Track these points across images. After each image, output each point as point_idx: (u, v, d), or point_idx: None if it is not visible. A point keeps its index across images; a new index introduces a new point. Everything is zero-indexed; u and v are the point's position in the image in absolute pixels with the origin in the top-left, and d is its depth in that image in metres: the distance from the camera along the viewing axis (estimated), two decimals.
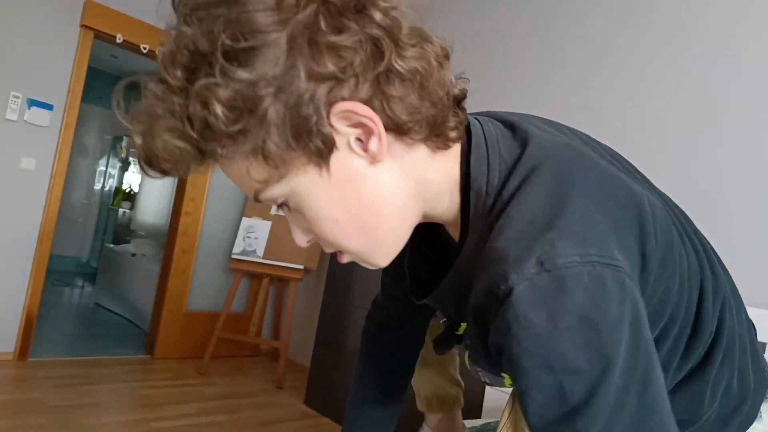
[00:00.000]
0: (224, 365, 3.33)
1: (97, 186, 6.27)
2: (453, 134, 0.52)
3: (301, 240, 0.56)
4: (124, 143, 6.06)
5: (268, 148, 0.44)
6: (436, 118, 0.49)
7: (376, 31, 0.45)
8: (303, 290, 3.72)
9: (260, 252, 3.30)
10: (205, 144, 0.45)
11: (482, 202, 0.51)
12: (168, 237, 3.45)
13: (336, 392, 2.63)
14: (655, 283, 0.50)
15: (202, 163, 0.48)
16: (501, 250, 0.44)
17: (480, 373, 0.68)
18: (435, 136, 0.51)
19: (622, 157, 0.64)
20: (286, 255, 3.29)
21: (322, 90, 0.44)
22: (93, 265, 6.05)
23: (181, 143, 0.45)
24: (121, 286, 4.31)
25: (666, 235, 0.51)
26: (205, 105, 0.43)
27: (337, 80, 0.44)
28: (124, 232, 5.72)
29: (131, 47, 3.03)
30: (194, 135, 0.44)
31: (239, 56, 0.42)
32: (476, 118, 0.57)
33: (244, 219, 3.39)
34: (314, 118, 0.44)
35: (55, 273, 5.16)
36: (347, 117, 0.46)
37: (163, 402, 2.54)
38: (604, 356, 0.40)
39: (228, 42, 0.42)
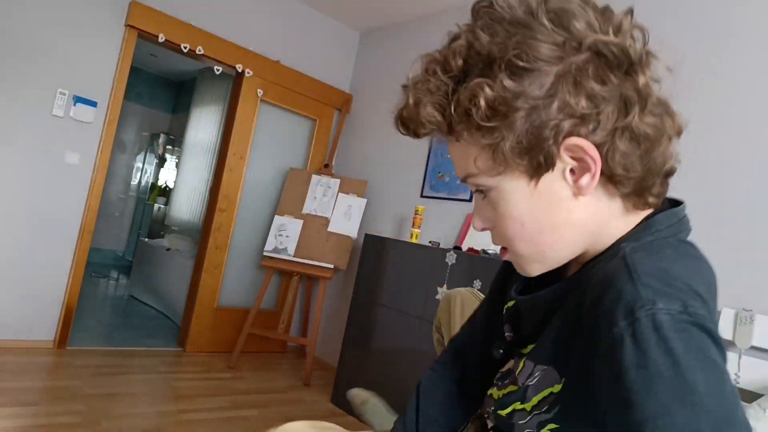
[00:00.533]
0: (253, 360, 3.38)
1: (134, 181, 6.45)
2: (651, 200, 0.58)
3: (478, 225, 0.62)
4: (160, 140, 6.21)
5: (503, 149, 0.52)
6: (646, 182, 0.55)
7: (630, 93, 0.51)
8: (332, 289, 3.74)
9: (291, 250, 3.34)
10: (457, 125, 0.54)
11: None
12: (202, 233, 3.52)
13: None
14: None
15: (443, 136, 0.57)
16: (648, 276, 0.49)
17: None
18: (636, 196, 0.56)
19: None
20: (316, 254, 3.32)
21: (566, 123, 0.51)
22: (128, 259, 6.21)
23: (440, 118, 0.55)
24: (154, 280, 4.42)
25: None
26: (473, 97, 0.51)
27: (582, 120, 0.51)
28: (158, 227, 5.86)
29: (172, 47, 3.11)
30: (454, 116, 0.53)
31: (515, 70, 0.50)
32: (680, 201, 0.62)
33: (276, 217, 3.44)
34: (549, 142, 0.52)
35: (92, 265, 5.32)
36: (574, 150, 0.53)
37: (195, 394, 2.59)
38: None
39: (512, 58, 0.50)
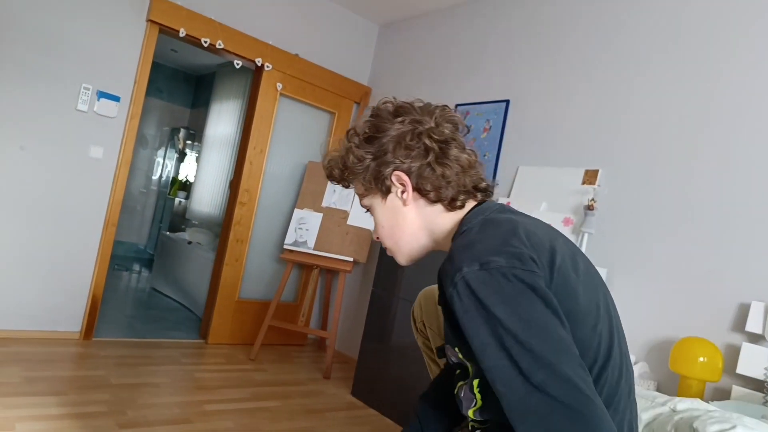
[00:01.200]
0: (273, 353, 3.41)
1: (155, 176, 6.53)
2: (458, 204, 0.92)
3: (373, 235, 0.97)
4: (181, 134, 6.27)
5: (364, 180, 0.93)
6: (447, 195, 0.91)
7: (429, 147, 0.90)
8: (351, 282, 3.75)
9: (311, 243, 3.36)
10: (344, 171, 0.96)
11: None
12: (223, 226, 3.55)
13: (383, 384, 2.65)
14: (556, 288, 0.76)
15: (343, 177, 0.97)
16: (458, 254, 0.77)
17: (463, 398, 0.91)
18: (446, 203, 0.92)
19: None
20: (336, 247, 3.33)
21: (395, 163, 0.90)
22: (149, 252, 6.31)
23: (336, 166, 0.98)
24: (176, 273, 4.48)
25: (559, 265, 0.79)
26: (347, 154, 0.94)
27: (401, 161, 0.90)
28: (179, 220, 5.93)
29: (193, 41, 3.13)
30: (341, 164, 0.96)
31: (368, 139, 0.93)
32: (494, 205, 0.93)
33: (296, 210, 3.45)
34: (384, 174, 0.91)
35: (115, 258, 5.41)
36: (398, 178, 0.91)
37: (217, 385, 2.62)
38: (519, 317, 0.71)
39: (368, 132, 0.94)
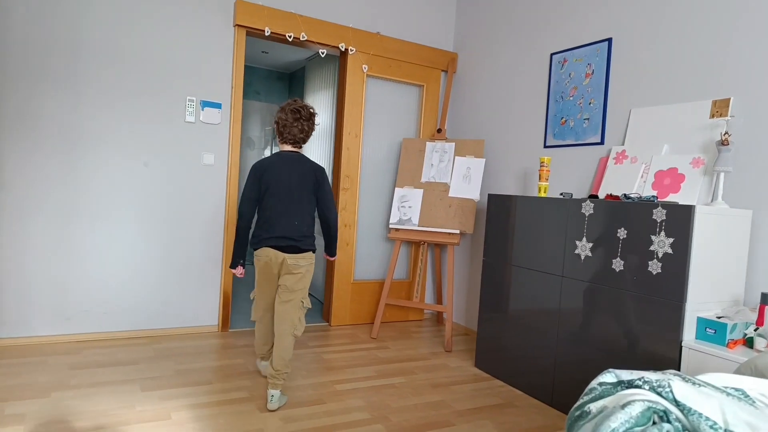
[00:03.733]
0: (392, 330, 3.48)
1: None
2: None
3: None
4: None
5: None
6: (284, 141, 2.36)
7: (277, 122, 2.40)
8: (460, 254, 3.70)
9: (415, 220, 3.34)
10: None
11: None
12: None
13: (505, 354, 2.58)
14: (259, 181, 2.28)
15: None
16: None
17: None
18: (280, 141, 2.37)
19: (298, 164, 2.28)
20: (440, 220, 3.29)
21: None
22: None
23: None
24: None
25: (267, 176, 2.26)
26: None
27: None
28: None
29: (278, 38, 3.21)
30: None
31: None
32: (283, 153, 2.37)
33: (397, 189, 3.45)
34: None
35: None
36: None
37: (344, 365, 2.72)
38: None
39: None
